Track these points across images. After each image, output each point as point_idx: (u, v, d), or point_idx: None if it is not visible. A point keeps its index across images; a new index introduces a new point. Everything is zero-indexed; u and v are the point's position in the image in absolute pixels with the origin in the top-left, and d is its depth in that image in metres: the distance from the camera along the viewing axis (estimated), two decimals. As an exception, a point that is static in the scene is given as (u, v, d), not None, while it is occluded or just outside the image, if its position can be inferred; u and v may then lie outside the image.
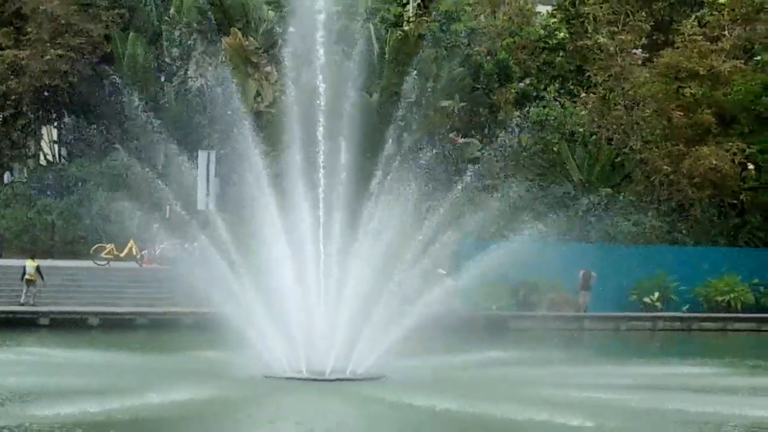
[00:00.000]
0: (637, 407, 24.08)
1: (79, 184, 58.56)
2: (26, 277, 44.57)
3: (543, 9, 74.67)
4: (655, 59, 57.67)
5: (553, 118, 60.85)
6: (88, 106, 60.98)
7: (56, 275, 47.00)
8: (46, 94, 62.27)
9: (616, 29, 58.74)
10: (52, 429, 20.41)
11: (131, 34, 63.92)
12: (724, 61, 56.01)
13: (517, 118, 60.69)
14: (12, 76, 60.51)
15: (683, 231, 56.55)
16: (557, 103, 64.31)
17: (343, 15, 55.98)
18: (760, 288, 53.74)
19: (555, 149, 60.98)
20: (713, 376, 31.33)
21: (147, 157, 44.64)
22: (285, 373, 27.29)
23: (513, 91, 64.34)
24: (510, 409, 23.18)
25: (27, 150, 67.86)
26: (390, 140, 32.33)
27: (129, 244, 50.30)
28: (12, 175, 69.69)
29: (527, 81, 68.16)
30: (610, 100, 59.31)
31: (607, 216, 53.00)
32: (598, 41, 58.70)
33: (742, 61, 57.25)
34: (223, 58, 56.06)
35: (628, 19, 59.54)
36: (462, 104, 59.86)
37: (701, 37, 56.74)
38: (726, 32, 58.14)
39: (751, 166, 57.87)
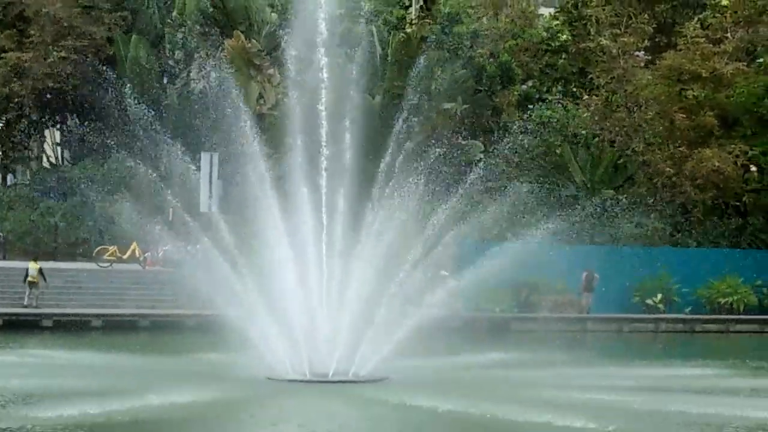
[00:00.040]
0: (640, 409, 24.09)
1: (82, 186, 58.43)
2: (29, 279, 44.63)
3: (545, 11, 74.69)
4: (657, 61, 57.66)
5: (555, 120, 60.85)
6: (90, 108, 60.99)
7: (59, 277, 47.09)
8: (48, 96, 62.34)
9: (618, 31, 58.73)
10: (55, 430, 20.44)
11: (134, 36, 63.98)
12: (726, 64, 56.01)
13: (520, 121, 60.71)
14: (15, 79, 60.55)
15: (686, 233, 56.57)
16: (560, 105, 64.29)
17: (346, 17, 56.04)
18: (763, 290, 53.72)
19: (557, 151, 60.99)
20: (715, 377, 31.32)
21: (149, 159, 44.63)
22: (288, 375, 27.31)
23: (515, 93, 64.35)
24: (512, 411, 23.21)
25: (30, 152, 67.93)
26: (392, 142, 32.35)
27: (132, 247, 50.33)
28: (15, 177, 69.79)
29: (530, 83, 68.18)
30: (612, 103, 59.31)
31: (609, 218, 53.00)
32: (601, 43, 58.70)
33: (745, 64, 57.23)
34: (225, 60, 56.07)
35: (630, 22, 59.53)
36: (464, 106, 59.86)
37: (704, 39, 56.73)
38: (728, 34, 58.13)
39: (753, 168, 57.86)
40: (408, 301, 28.55)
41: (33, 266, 45.00)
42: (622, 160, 60.11)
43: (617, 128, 58.74)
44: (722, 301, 52.70)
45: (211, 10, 63.95)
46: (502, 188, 48.29)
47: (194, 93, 62.02)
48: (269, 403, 24.99)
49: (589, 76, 61.96)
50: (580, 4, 64.65)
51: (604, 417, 22.30)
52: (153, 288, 46.69)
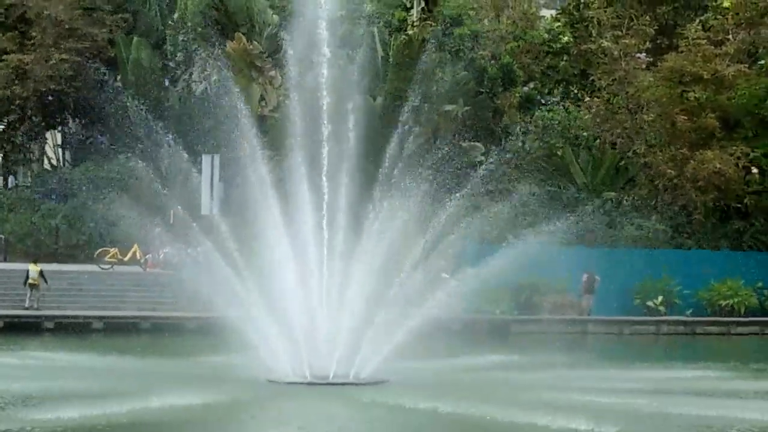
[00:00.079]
0: (641, 411, 24.08)
1: (83, 188, 58.53)
2: (29, 281, 44.63)
3: (547, 13, 74.75)
4: (659, 63, 57.66)
5: (557, 122, 60.89)
6: (92, 110, 60.98)
7: (60, 279, 47.10)
8: (50, 98, 62.37)
9: (620, 33, 58.74)
10: (54, 432, 20.49)
11: (135, 38, 64.00)
12: (728, 65, 56.01)
13: (521, 123, 60.75)
14: (16, 81, 60.60)
15: (687, 235, 56.55)
16: (561, 107, 64.33)
17: (347, 19, 56.04)
18: (764, 292, 53.69)
19: (559, 153, 61.01)
20: (717, 379, 31.30)
21: (151, 161, 44.65)
22: (288, 378, 27.31)
23: (517, 95, 64.37)
24: (512, 413, 23.20)
25: (31, 154, 67.92)
26: (393, 144, 32.36)
27: (133, 249, 50.32)
28: (16, 179, 69.80)
29: (531, 85, 68.23)
30: (614, 104, 59.35)
31: (610, 220, 52.97)
32: (602, 45, 58.70)
33: (746, 65, 57.23)
34: (227, 62, 56.08)
35: (632, 23, 59.53)
36: (466, 108, 59.87)
37: (705, 41, 56.73)
38: (730, 36, 58.11)
39: (754, 170, 57.86)
40: (408, 303, 28.54)
41: (33, 268, 45.00)
42: (623, 162, 60.11)
43: (619, 130, 58.76)
44: (723, 303, 52.66)
45: (212, 11, 63.95)
46: (504, 190, 48.41)
47: (195, 95, 62.02)
48: (269, 406, 24.98)
49: (591, 78, 61.98)
50: (581, 6, 64.68)
51: (605, 419, 22.27)
52: (154, 290, 46.68)
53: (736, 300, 52.59)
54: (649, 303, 52.09)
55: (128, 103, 54.96)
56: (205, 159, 51.46)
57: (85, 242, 56.16)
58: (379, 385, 26.88)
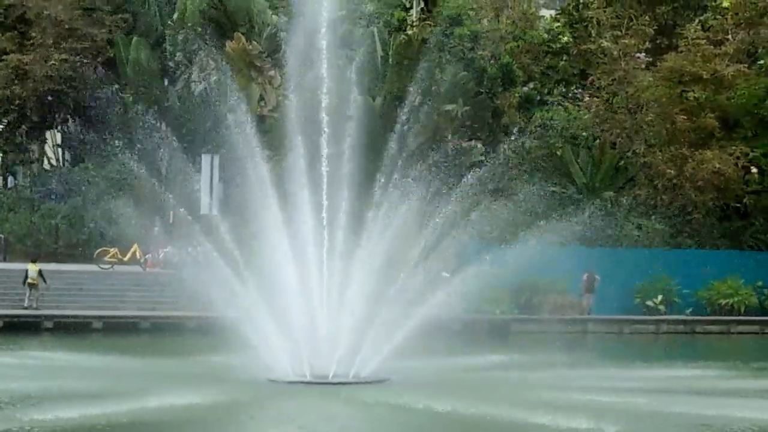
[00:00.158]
0: (641, 410, 24.08)
1: (83, 188, 58.57)
2: (28, 280, 44.63)
3: (547, 13, 74.72)
4: (658, 63, 57.65)
5: (556, 122, 60.85)
6: (91, 110, 61.02)
7: (60, 279, 47.09)
8: (49, 98, 62.34)
9: (619, 33, 58.72)
10: (54, 432, 20.48)
11: (135, 38, 64.00)
12: (727, 65, 56.00)
13: (521, 122, 60.71)
14: (16, 81, 60.61)
15: (686, 234, 56.55)
16: (561, 107, 64.29)
17: (347, 19, 56.01)
18: (764, 291, 53.70)
19: (558, 153, 60.97)
20: (716, 379, 31.30)
21: (150, 161, 44.65)
22: (288, 377, 27.30)
23: (516, 95, 64.32)
24: (513, 412, 23.21)
25: (31, 154, 67.88)
26: (393, 144, 32.35)
27: (132, 248, 50.32)
28: (16, 179, 69.76)
29: (531, 85, 68.17)
30: (613, 104, 59.33)
31: (610, 219, 52.95)
32: (602, 45, 58.69)
33: (746, 65, 57.21)
34: (226, 62, 56.10)
35: (631, 23, 59.52)
36: (465, 108, 59.82)
37: (705, 41, 56.72)
38: (729, 36, 58.11)
39: (754, 170, 57.86)
40: (409, 303, 28.54)
41: (32, 268, 45.00)
42: (623, 162, 60.07)
43: (618, 130, 58.74)
44: (723, 302, 52.68)
45: (211, 12, 63.93)
46: (503, 190, 48.41)
47: (195, 95, 62.04)
48: (270, 405, 24.98)
49: (590, 78, 61.96)
50: (581, 6, 64.68)
51: (605, 418, 22.28)
52: (153, 290, 46.68)
53: (735, 299, 52.61)
54: (649, 302, 52.10)
55: (128, 104, 55.03)
56: (205, 159, 51.48)
57: (84, 242, 56.18)
58: (380, 385, 26.88)
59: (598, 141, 60.67)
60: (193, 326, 41.52)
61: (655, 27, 60.60)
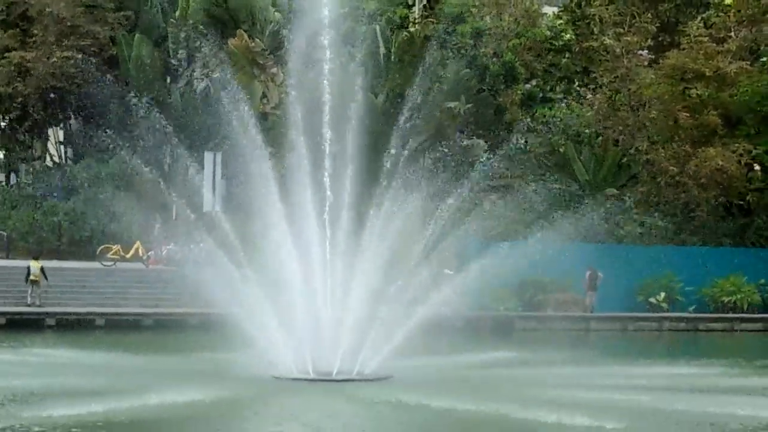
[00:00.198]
0: (644, 408, 24.04)
1: (86, 185, 58.61)
2: (31, 278, 44.62)
3: (549, 10, 74.74)
4: (661, 60, 57.64)
5: (559, 119, 60.84)
6: (94, 107, 61.02)
7: (62, 276, 47.10)
8: (52, 95, 62.34)
9: (622, 30, 58.73)
10: (56, 430, 20.41)
11: (137, 35, 64.00)
12: (730, 63, 55.97)
13: (523, 120, 60.71)
14: (18, 78, 60.62)
15: (689, 231, 56.53)
16: (563, 104, 64.28)
17: (349, 17, 55.96)
18: (767, 288, 53.69)
19: (561, 150, 60.99)
20: (720, 376, 31.25)
21: (153, 158, 44.66)
22: (292, 374, 27.28)
23: (519, 92, 64.33)
24: (516, 409, 23.15)
25: (33, 151, 67.93)
26: (395, 141, 32.32)
27: (135, 245, 50.32)
28: (18, 176, 69.80)
29: (533, 82, 68.17)
30: (616, 102, 59.33)
31: (613, 217, 52.94)
32: (604, 43, 58.69)
33: (749, 63, 57.21)
34: (229, 60, 56.08)
35: (634, 21, 59.52)
36: (468, 105, 59.83)
37: (707, 38, 56.70)
38: (732, 33, 58.09)
39: (757, 167, 57.86)
40: (412, 300, 28.51)
41: (34, 265, 44.99)
42: (625, 159, 60.08)
43: (621, 127, 58.76)
44: (726, 299, 52.68)
45: (214, 9, 63.92)
46: (506, 187, 48.40)
47: (197, 92, 62.03)
48: (273, 402, 24.95)
49: (593, 75, 61.95)
50: (583, 3, 64.65)
51: (609, 416, 22.23)
52: (156, 287, 46.68)
53: (739, 296, 52.61)
54: (652, 300, 52.10)
55: (130, 101, 54.96)
56: (207, 156, 51.49)
57: (87, 239, 56.17)
58: (383, 382, 26.85)
59: (600, 138, 60.70)
60: (196, 323, 41.48)
61: (658, 24, 60.62)
